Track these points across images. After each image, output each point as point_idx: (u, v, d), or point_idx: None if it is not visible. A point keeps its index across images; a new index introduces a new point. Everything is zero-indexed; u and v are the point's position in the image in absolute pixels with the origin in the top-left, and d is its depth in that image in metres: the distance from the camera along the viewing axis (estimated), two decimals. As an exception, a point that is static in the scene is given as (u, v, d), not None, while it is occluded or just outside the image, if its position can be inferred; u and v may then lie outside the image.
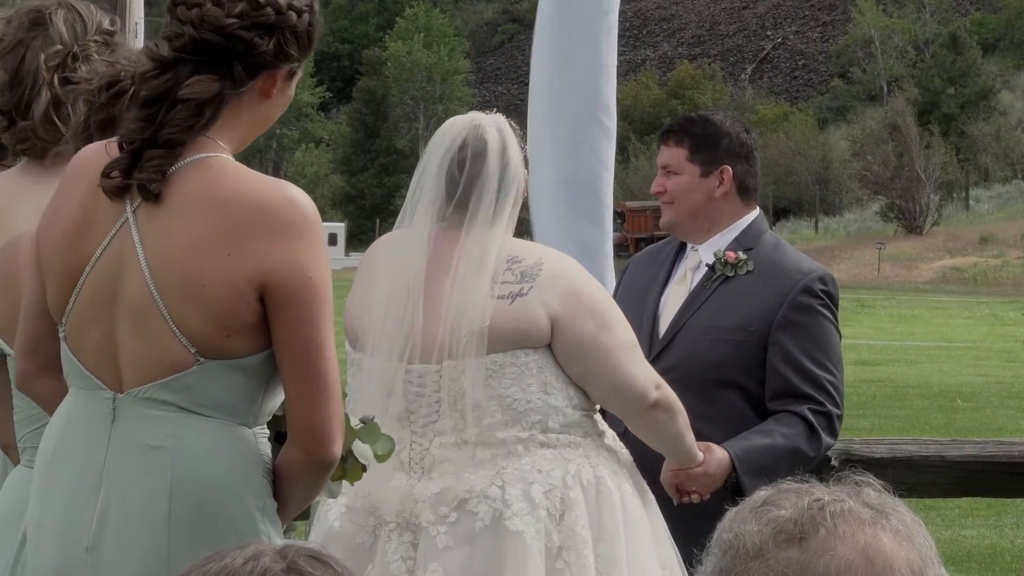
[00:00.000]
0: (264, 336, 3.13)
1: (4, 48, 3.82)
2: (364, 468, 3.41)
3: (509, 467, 3.99)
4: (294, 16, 3.20)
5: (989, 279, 55.31)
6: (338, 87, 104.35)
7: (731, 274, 4.73)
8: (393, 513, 4.00)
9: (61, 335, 3.24)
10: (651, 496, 4.20)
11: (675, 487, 4.45)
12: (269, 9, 3.17)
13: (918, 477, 6.14)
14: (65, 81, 3.76)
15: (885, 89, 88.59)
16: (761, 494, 1.85)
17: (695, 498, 4.43)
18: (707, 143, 4.75)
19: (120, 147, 3.17)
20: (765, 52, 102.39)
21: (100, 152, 3.23)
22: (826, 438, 4.68)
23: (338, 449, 3.19)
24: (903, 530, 1.81)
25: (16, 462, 3.68)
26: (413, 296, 4.06)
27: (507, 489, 3.97)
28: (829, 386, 4.73)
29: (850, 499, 1.83)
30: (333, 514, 4.10)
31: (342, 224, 79.35)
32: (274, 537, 3.22)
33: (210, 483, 3.14)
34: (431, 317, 4.03)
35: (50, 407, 3.35)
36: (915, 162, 66.55)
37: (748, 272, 4.72)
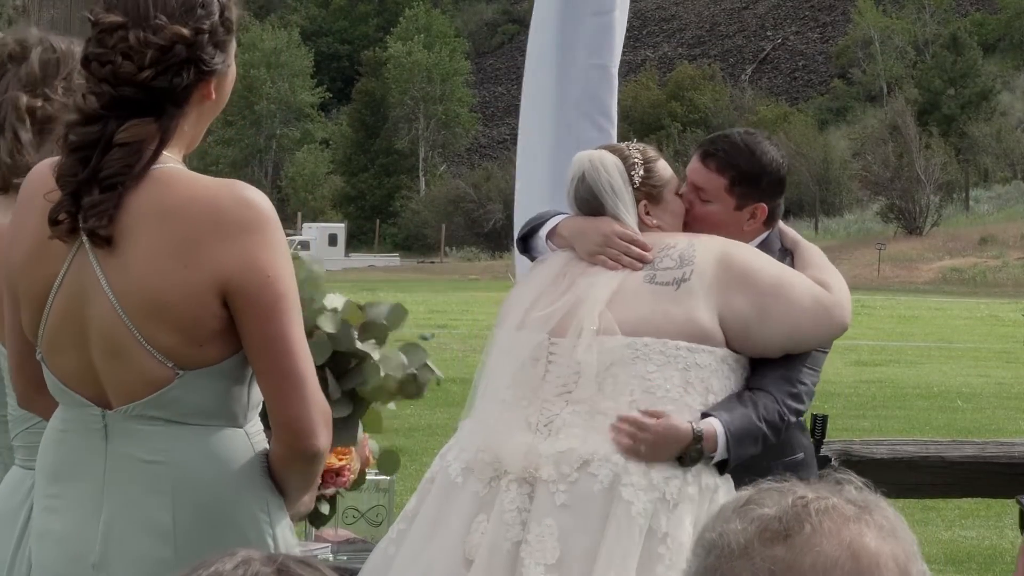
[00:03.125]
0: (236, 338, 3.12)
1: None
2: (439, 383, 3.41)
3: None
4: (205, 36, 3.15)
5: (989, 280, 55.33)
6: (338, 87, 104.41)
7: None
8: (517, 467, 4.13)
9: (39, 356, 3.23)
10: None
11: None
12: (179, 47, 3.12)
13: (918, 477, 6.15)
14: (33, 120, 3.78)
15: (885, 90, 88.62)
16: (743, 494, 1.86)
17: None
18: (748, 179, 4.63)
19: (60, 188, 3.14)
20: (765, 53, 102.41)
21: (48, 177, 3.19)
22: (786, 424, 4.54)
23: (321, 441, 3.17)
24: (887, 525, 1.81)
25: None
26: (565, 280, 4.37)
27: (631, 461, 4.10)
28: (801, 388, 4.59)
29: (833, 496, 1.83)
30: (454, 469, 4.23)
31: (342, 224, 79.38)
32: (281, 534, 3.23)
33: (211, 491, 3.15)
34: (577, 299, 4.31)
35: None
36: (915, 163, 66.58)
37: None
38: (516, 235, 4.81)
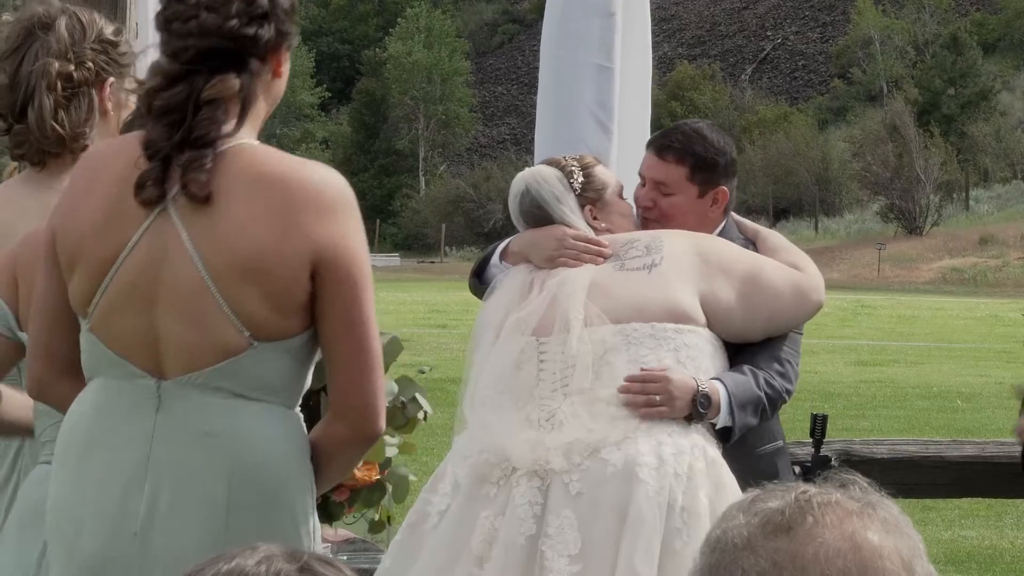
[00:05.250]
0: (309, 316, 3.16)
1: (5, 51, 3.84)
2: (425, 418, 3.47)
3: (641, 426, 4.20)
4: None
5: (989, 280, 55.33)
6: (338, 87, 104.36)
7: None
8: (526, 462, 4.17)
9: (86, 326, 3.21)
10: None
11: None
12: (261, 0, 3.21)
13: (918, 477, 6.16)
14: (66, 85, 3.78)
15: (885, 90, 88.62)
16: (748, 494, 1.87)
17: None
18: (707, 164, 4.72)
19: (148, 158, 3.18)
20: (765, 53, 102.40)
21: (121, 147, 3.23)
22: (780, 401, 4.59)
23: (383, 424, 3.21)
24: (891, 521, 1.83)
25: None
26: (532, 286, 4.45)
27: (640, 442, 4.16)
28: (788, 368, 4.65)
29: (837, 492, 1.85)
30: (461, 469, 4.26)
31: (342, 225, 79.15)
32: (315, 521, 3.24)
33: (270, 468, 3.14)
34: (558, 297, 4.38)
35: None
36: (915, 163, 66.57)
37: None
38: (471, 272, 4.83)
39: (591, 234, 4.52)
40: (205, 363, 3.12)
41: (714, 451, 4.28)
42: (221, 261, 3.10)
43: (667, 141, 4.78)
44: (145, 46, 5.29)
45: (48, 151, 3.80)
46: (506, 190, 4.48)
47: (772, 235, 4.83)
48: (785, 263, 4.61)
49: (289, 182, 3.13)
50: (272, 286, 3.10)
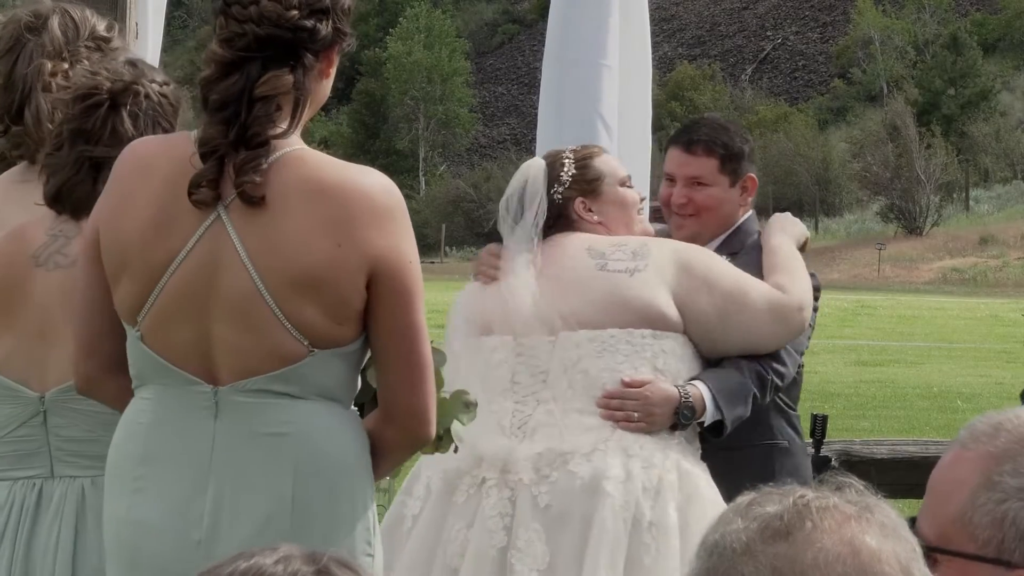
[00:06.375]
0: (362, 323, 3.18)
1: None
2: (456, 449, 3.49)
3: (613, 437, 4.16)
4: None
5: (989, 280, 55.32)
6: (338, 87, 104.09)
7: None
8: (496, 469, 4.15)
9: (137, 335, 3.19)
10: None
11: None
12: None
13: (919, 478, 6.14)
14: (61, 86, 3.77)
15: (885, 90, 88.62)
16: (745, 497, 1.88)
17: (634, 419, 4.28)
18: (736, 152, 4.78)
19: (203, 156, 3.15)
20: (765, 53, 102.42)
21: (169, 146, 3.22)
22: (771, 383, 4.55)
23: (434, 428, 3.25)
24: (889, 524, 1.84)
25: None
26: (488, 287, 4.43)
27: (609, 455, 4.12)
28: (783, 353, 4.61)
29: (834, 496, 1.86)
30: (434, 474, 4.25)
31: (342, 225, 79.10)
32: (375, 517, 3.25)
33: (332, 460, 3.16)
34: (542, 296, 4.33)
35: (122, 407, 3.29)
36: (915, 163, 66.55)
37: None
38: None
39: (497, 248, 4.49)
40: (262, 370, 3.12)
41: (689, 462, 4.24)
42: (276, 272, 3.09)
43: (694, 136, 4.80)
44: (145, 48, 5.28)
45: (39, 150, 3.79)
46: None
47: (777, 252, 4.71)
48: (775, 284, 4.52)
49: (346, 191, 3.13)
50: (329, 296, 3.10)
